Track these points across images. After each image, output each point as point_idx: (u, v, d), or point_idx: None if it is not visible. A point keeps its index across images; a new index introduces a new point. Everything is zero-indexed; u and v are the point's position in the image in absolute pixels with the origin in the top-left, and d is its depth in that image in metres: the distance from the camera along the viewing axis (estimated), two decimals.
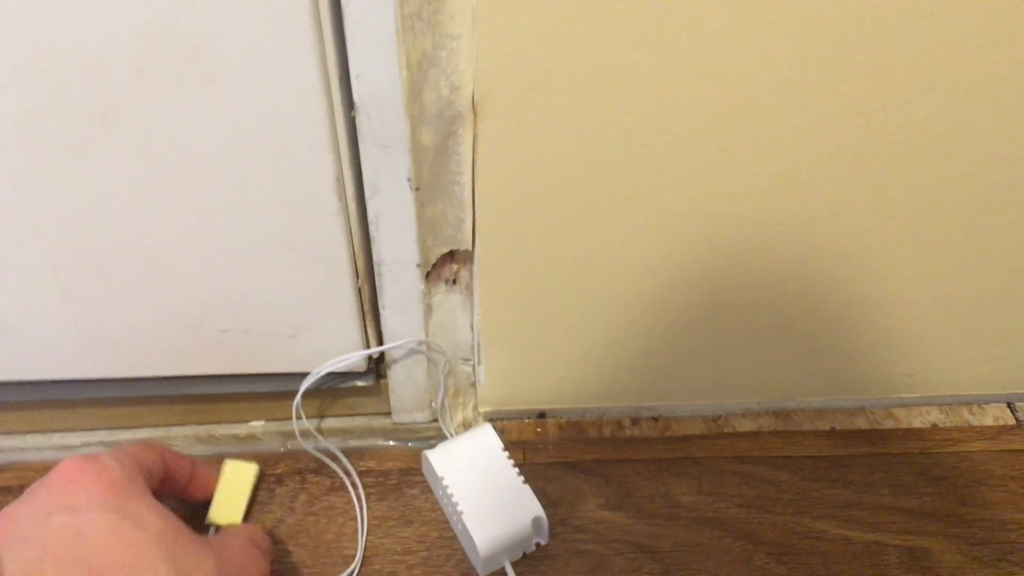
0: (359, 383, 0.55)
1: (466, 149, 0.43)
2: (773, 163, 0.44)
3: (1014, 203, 0.48)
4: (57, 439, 0.57)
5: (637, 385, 0.58)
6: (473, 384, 0.57)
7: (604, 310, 0.52)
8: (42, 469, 0.56)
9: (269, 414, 0.57)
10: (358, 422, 0.58)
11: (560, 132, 0.42)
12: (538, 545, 0.52)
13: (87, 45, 0.37)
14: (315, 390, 0.54)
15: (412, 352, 0.52)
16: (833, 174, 0.45)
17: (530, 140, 0.43)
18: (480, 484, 0.52)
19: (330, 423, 0.58)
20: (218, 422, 0.58)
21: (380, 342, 0.52)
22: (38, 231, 0.43)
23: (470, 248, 0.48)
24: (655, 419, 0.60)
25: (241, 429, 0.57)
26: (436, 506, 0.54)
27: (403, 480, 0.55)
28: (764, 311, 0.53)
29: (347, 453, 0.56)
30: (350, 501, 0.54)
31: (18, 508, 0.39)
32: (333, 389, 0.55)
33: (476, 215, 0.46)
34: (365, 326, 0.50)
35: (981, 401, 0.62)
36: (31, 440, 0.57)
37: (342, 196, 0.43)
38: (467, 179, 0.44)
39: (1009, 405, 0.62)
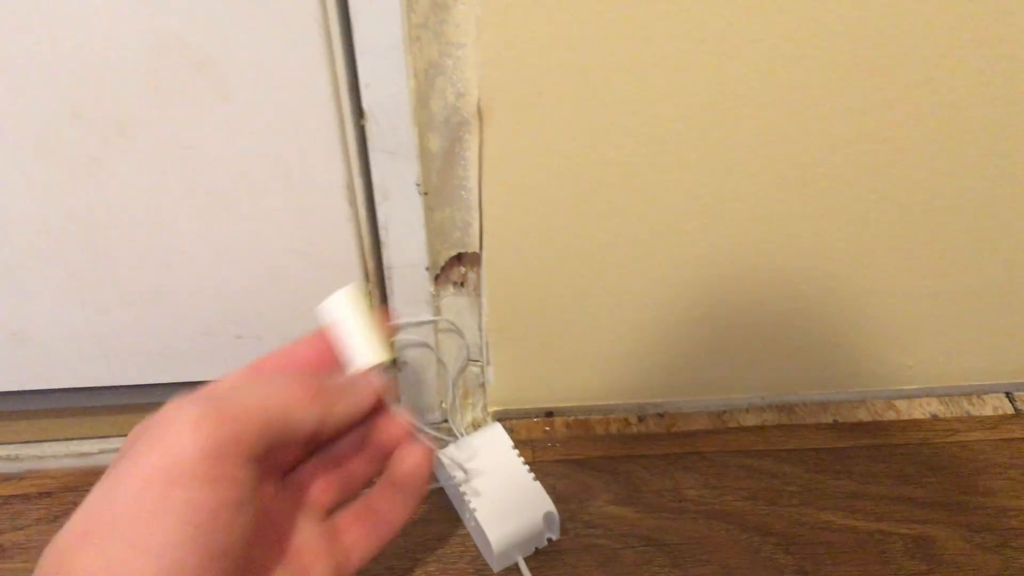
0: None
1: (472, 154, 0.44)
2: (774, 162, 0.46)
3: (1010, 195, 0.49)
4: (75, 447, 0.58)
5: (643, 383, 0.59)
6: (482, 385, 0.58)
7: (609, 310, 0.53)
8: (60, 476, 0.57)
9: None
10: None
11: (564, 137, 0.43)
12: (550, 540, 0.53)
13: (103, 60, 0.38)
14: None
15: (422, 354, 0.53)
16: (831, 170, 0.46)
17: (535, 145, 0.44)
18: (492, 482, 0.53)
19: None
20: None
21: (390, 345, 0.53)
22: (56, 241, 0.44)
23: (477, 251, 0.49)
24: (661, 416, 0.61)
25: None
26: (449, 504, 0.55)
27: None
28: (766, 307, 0.54)
29: None
30: None
31: None
32: None
33: (483, 218, 0.47)
34: None
35: (980, 392, 0.62)
36: (49, 448, 0.58)
37: (353, 202, 0.44)
38: (474, 183, 0.45)
39: (1008, 395, 0.63)
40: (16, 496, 0.56)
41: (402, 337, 0.53)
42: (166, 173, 0.42)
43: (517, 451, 0.54)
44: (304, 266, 0.47)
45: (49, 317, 0.48)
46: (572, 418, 0.61)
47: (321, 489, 0.41)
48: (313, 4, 0.37)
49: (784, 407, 0.61)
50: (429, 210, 0.46)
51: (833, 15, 0.40)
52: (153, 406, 0.33)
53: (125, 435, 0.57)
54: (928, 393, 0.62)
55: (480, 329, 0.54)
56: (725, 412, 0.61)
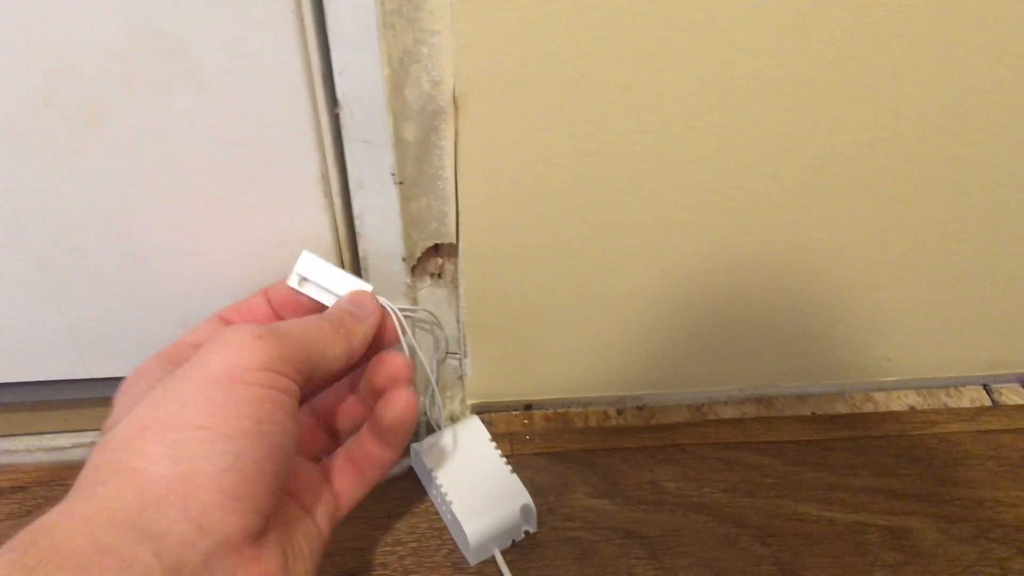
0: None
1: (448, 144, 0.44)
2: (753, 155, 0.45)
3: (988, 186, 0.49)
4: (48, 440, 0.57)
5: (622, 375, 0.59)
6: (460, 377, 0.58)
7: (589, 302, 0.53)
8: (33, 471, 0.56)
9: None
10: None
11: (542, 125, 0.43)
12: (527, 533, 0.53)
13: (75, 48, 0.37)
14: None
15: (399, 346, 0.53)
16: (810, 163, 0.46)
17: (512, 134, 0.43)
18: (468, 475, 0.53)
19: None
20: None
21: None
22: (26, 231, 0.44)
23: (454, 241, 0.49)
24: (640, 408, 0.61)
25: None
26: (425, 497, 0.55)
27: (393, 473, 0.56)
28: (745, 300, 0.54)
29: None
30: None
31: None
32: None
33: (460, 209, 0.47)
34: None
35: (958, 383, 0.63)
36: (21, 442, 0.57)
37: (327, 192, 0.44)
38: (450, 173, 0.45)
39: (985, 387, 0.63)
40: None
41: None
42: (139, 162, 0.42)
43: (495, 444, 0.54)
44: (280, 257, 0.46)
45: (20, 309, 0.47)
46: (551, 411, 0.61)
47: (314, 434, 0.45)
48: None
49: (763, 399, 0.62)
50: (405, 200, 0.45)
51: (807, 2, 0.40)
52: None
53: (99, 429, 0.57)
54: (906, 385, 0.62)
55: (458, 321, 0.54)
56: (704, 405, 0.61)
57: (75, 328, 0.49)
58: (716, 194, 0.47)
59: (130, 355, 0.51)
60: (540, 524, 0.53)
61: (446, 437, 0.55)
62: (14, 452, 0.57)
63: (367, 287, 0.44)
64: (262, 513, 0.33)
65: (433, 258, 0.50)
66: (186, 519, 0.31)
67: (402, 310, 0.47)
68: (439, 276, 0.51)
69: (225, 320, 0.43)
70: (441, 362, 0.56)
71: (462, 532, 0.50)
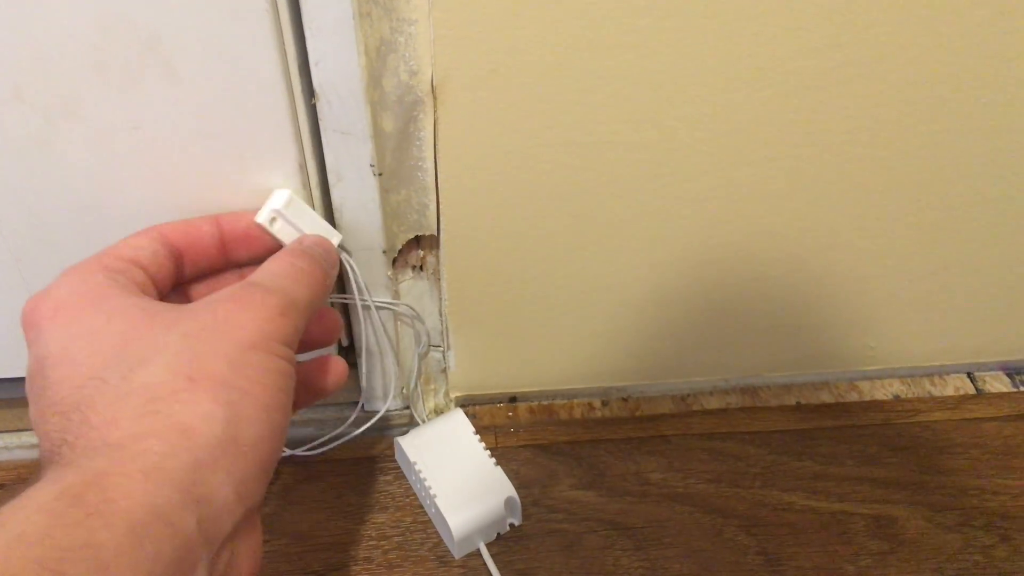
0: None
1: (428, 134, 0.43)
2: (736, 144, 0.45)
3: (971, 174, 0.49)
4: (28, 438, 0.57)
5: (607, 367, 0.59)
6: (444, 370, 0.57)
7: (572, 294, 0.53)
8: (12, 468, 0.56)
9: None
10: (329, 412, 0.58)
11: (522, 115, 0.43)
12: (512, 526, 0.53)
13: (46, 39, 0.37)
14: None
15: (381, 339, 0.53)
16: (793, 151, 0.46)
17: (492, 123, 0.43)
18: (452, 468, 0.52)
19: (300, 413, 0.58)
20: None
21: (349, 330, 0.52)
22: (1, 224, 0.43)
23: (435, 233, 0.48)
24: (625, 400, 0.61)
25: None
26: (410, 491, 0.54)
27: (376, 467, 0.56)
28: (729, 290, 0.54)
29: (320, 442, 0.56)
30: (325, 490, 0.54)
31: None
32: None
33: (440, 200, 0.46)
34: None
35: (942, 372, 0.63)
36: (0, 440, 0.57)
37: (306, 184, 0.43)
38: (430, 164, 0.45)
39: (969, 375, 0.63)
40: None
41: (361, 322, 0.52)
42: (113, 154, 0.41)
43: (479, 437, 0.54)
44: None
45: None
46: (536, 403, 0.61)
47: None
48: None
49: (747, 390, 0.61)
50: (385, 192, 0.45)
51: None
52: None
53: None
54: (890, 374, 0.62)
55: (440, 313, 0.53)
56: (689, 395, 0.61)
57: None
58: (699, 184, 0.47)
59: None
60: (525, 516, 0.53)
61: (430, 430, 0.54)
62: None
63: (337, 236, 0.44)
64: (269, 484, 0.34)
65: (414, 250, 0.50)
66: (232, 484, 0.30)
67: (382, 303, 0.47)
68: (420, 268, 0.51)
69: (166, 238, 0.40)
70: (424, 355, 0.56)
71: (446, 526, 0.50)
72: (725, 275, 0.53)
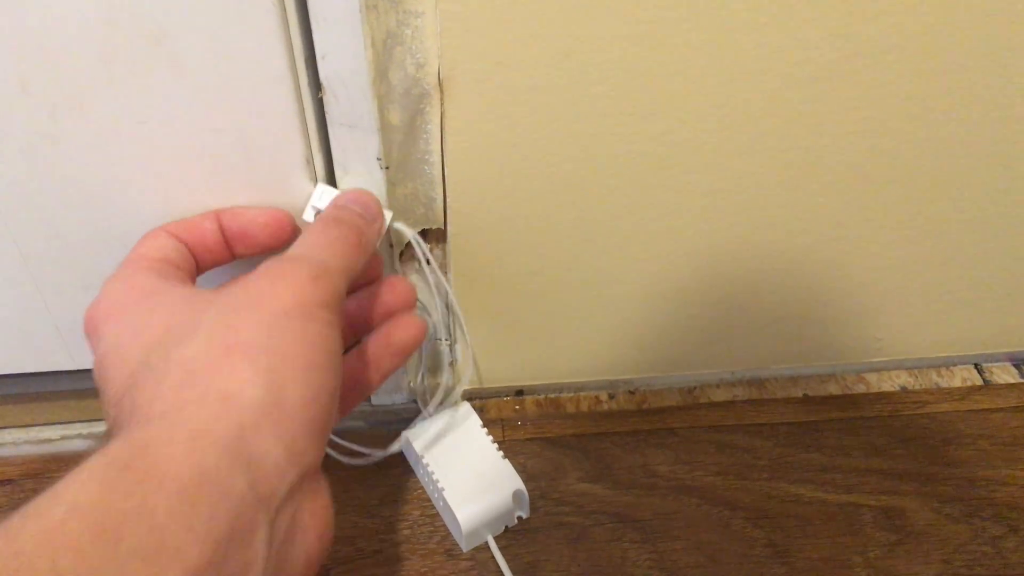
0: None
1: (435, 127, 0.43)
2: (741, 135, 0.45)
3: (979, 165, 0.49)
4: (35, 433, 0.57)
5: (613, 360, 0.59)
6: (451, 363, 0.57)
7: (578, 286, 0.53)
8: (21, 464, 0.56)
9: None
10: None
11: (529, 108, 0.43)
12: (520, 519, 0.53)
13: (52, 33, 0.37)
14: None
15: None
16: (799, 143, 0.46)
17: (498, 116, 0.43)
18: (460, 461, 0.52)
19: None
20: None
21: None
22: (7, 220, 0.43)
23: (442, 227, 0.48)
24: (632, 392, 0.61)
25: None
26: (417, 485, 0.54)
27: (384, 461, 0.55)
28: (735, 282, 0.54)
29: None
30: (333, 483, 0.54)
31: None
32: None
33: (447, 194, 0.46)
34: None
35: (949, 363, 0.63)
36: (8, 435, 0.57)
37: (313, 177, 0.43)
38: (437, 158, 0.45)
39: (976, 366, 0.63)
40: None
41: None
42: (120, 149, 0.41)
43: (486, 430, 0.54)
44: None
45: (3, 301, 0.47)
46: (543, 396, 0.61)
47: None
48: None
49: (754, 382, 0.61)
50: (391, 185, 0.45)
51: None
52: None
53: (87, 420, 0.57)
54: (898, 366, 0.62)
55: (447, 307, 0.53)
56: (696, 388, 0.61)
57: (59, 319, 0.48)
58: (706, 176, 0.47)
59: None
60: (533, 509, 0.53)
61: (437, 423, 0.54)
62: (1, 445, 0.56)
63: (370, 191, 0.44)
64: (325, 445, 0.34)
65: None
66: (281, 446, 0.30)
67: None
68: (427, 262, 0.51)
69: (177, 236, 0.41)
70: (430, 349, 0.56)
71: (455, 519, 0.50)
72: (732, 267, 0.53)
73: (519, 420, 0.59)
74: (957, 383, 0.62)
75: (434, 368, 0.58)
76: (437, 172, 0.45)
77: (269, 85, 0.39)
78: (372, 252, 0.41)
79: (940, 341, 0.61)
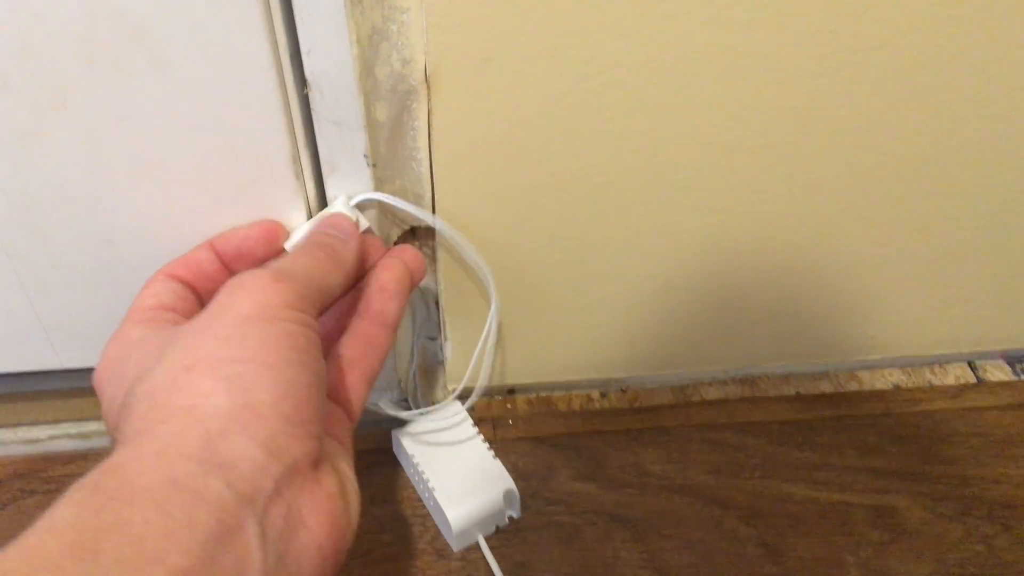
0: None
1: (422, 124, 0.43)
2: (732, 131, 0.45)
3: (970, 160, 0.49)
4: (23, 432, 0.56)
5: (605, 358, 0.58)
6: (441, 362, 0.57)
7: (569, 284, 0.53)
8: (8, 464, 0.56)
9: None
10: None
11: (515, 104, 0.42)
12: (511, 518, 0.52)
13: (34, 29, 0.36)
14: None
15: None
16: (790, 138, 0.46)
17: (486, 112, 0.43)
18: (451, 460, 0.52)
19: None
20: None
21: None
22: None
23: (431, 224, 0.48)
24: (623, 391, 0.61)
25: None
26: (408, 484, 0.54)
27: (374, 460, 0.55)
28: (727, 280, 0.54)
29: None
30: None
31: None
32: None
33: (435, 191, 0.46)
34: None
35: (942, 361, 0.62)
36: None
37: (299, 175, 0.43)
38: (424, 154, 0.44)
39: (970, 364, 0.63)
40: None
41: None
42: (104, 147, 0.41)
43: (477, 429, 0.54)
44: None
45: None
46: (534, 395, 0.60)
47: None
48: None
49: (747, 380, 0.61)
50: (379, 182, 0.45)
51: None
52: None
53: (75, 419, 0.56)
54: (891, 363, 0.62)
55: (437, 305, 0.53)
56: (688, 386, 0.61)
57: (44, 318, 0.48)
58: (696, 173, 0.47)
59: (102, 344, 0.50)
60: (524, 509, 0.53)
61: (427, 423, 0.54)
62: None
63: (335, 208, 0.44)
64: (316, 438, 0.34)
65: (410, 241, 0.49)
66: (256, 445, 0.31)
67: None
68: None
69: (175, 277, 0.42)
70: (420, 347, 0.55)
71: (445, 519, 0.50)
72: (724, 265, 0.53)
73: (510, 419, 0.59)
74: (951, 381, 0.61)
75: (424, 366, 0.57)
76: (425, 169, 0.45)
77: (253, 81, 0.39)
78: (350, 268, 0.41)
79: (934, 339, 0.60)
